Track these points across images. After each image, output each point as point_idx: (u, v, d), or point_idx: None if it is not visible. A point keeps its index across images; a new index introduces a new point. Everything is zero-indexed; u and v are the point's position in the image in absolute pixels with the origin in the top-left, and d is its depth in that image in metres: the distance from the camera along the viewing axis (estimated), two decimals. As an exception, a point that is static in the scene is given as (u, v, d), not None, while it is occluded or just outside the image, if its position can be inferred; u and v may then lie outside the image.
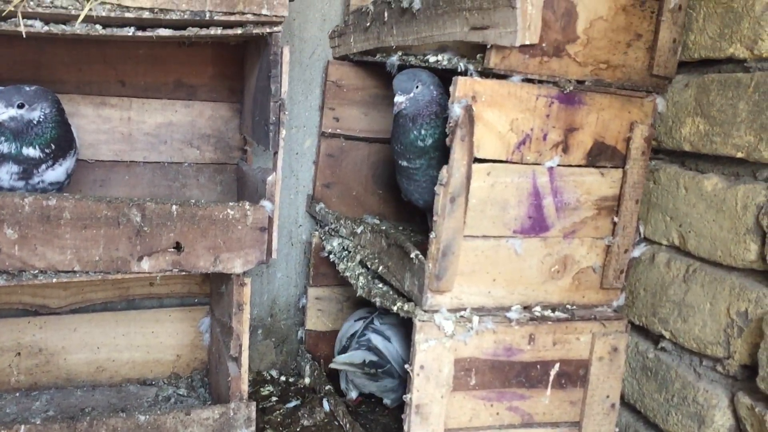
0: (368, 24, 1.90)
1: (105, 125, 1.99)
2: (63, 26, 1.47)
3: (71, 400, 2.02)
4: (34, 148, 1.62)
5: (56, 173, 1.66)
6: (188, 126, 2.07)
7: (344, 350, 1.97)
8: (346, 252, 1.95)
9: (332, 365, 1.90)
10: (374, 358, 1.86)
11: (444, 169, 1.42)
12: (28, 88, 1.61)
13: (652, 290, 1.65)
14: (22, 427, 1.59)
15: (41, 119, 1.61)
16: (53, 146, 1.64)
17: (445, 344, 1.49)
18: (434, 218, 1.45)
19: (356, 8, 2.05)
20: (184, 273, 1.62)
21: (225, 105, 2.10)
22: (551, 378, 1.60)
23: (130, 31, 1.52)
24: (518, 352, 1.56)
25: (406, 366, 1.51)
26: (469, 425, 1.57)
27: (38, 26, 1.46)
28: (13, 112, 1.57)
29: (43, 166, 1.64)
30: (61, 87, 1.92)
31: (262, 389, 2.18)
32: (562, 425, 1.64)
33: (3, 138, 1.60)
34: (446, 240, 1.45)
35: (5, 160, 1.60)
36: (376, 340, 1.89)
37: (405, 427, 1.53)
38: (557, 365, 1.60)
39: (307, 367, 2.21)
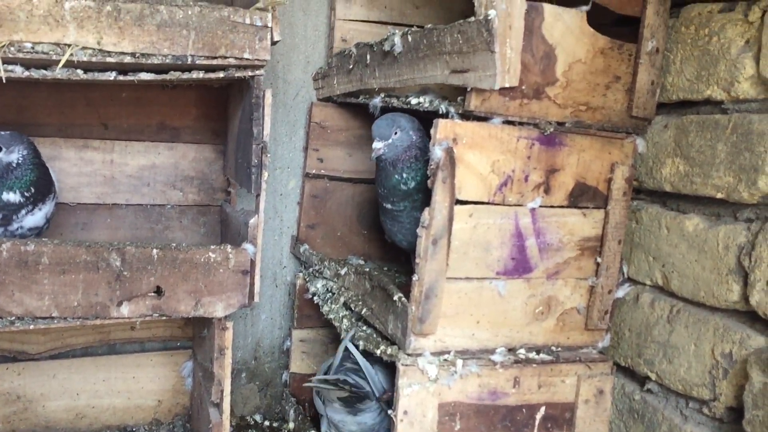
0: (351, 66, 1.91)
1: (87, 168, 1.98)
2: (44, 71, 1.47)
3: (49, 449, 1.98)
4: (14, 192, 1.60)
5: (35, 218, 1.65)
6: (171, 168, 2.07)
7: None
8: (330, 294, 1.93)
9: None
10: (351, 381, 1.77)
11: (426, 211, 1.42)
12: (2, 133, 1.60)
13: (637, 331, 1.64)
14: (-4, 478, 1.56)
15: (20, 161, 1.60)
16: (33, 189, 1.63)
17: (428, 389, 1.47)
18: (417, 260, 1.44)
19: (339, 51, 2.06)
20: (164, 318, 1.60)
21: (208, 147, 2.10)
22: (537, 422, 1.58)
23: (111, 76, 1.52)
24: (503, 395, 1.54)
25: (390, 411, 1.49)
26: (455, 472, 1.54)
27: (19, 71, 1.46)
28: None
29: (23, 211, 1.62)
30: (43, 130, 1.92)
31: (245, 434, 2.14)
32: (549, 470, 1.61)
33: None
34: (429, 282, 1.44)
35: None
36: (357, 358, 1.81)
37: (389, 474, 1.51)
38: (543, 408, 1.58)
39: (292, 412, 2.17)
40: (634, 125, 1.58)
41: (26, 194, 1.61)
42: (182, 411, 2.16)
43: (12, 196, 1.60)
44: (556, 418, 1.59)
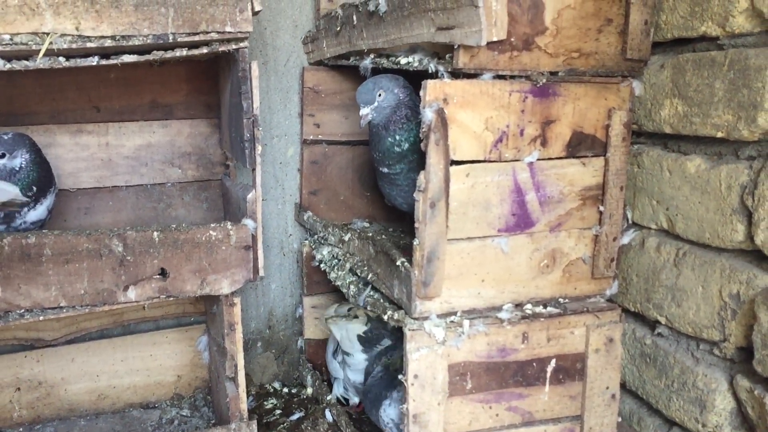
0: (339, 28, 1.87)
1: (83, 152, 1.98)
2: (25, 62, 1.45)
3: (75, 431, 2.01)
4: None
5: (38, 213, 1.66)
6: (168, 146, 2.06)
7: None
8: (336, 260, 1.93)
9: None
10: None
11: (421, 174, 1.40)
12: (5, 137, 1.61)
13: (645, 276, 1.63)
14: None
15: (22, 165, 1.62)
16: (35, 188, 1.64)
17: (437, 351, 1.47)
18: (416, 225, 1.43)
19: (326, 13, 2.02)
20: (171, 299, 1.61)
21: (203, 121, 2.08)
22: (548, 374, 1.58)
23: (94, 61, 1.50)
24: (512, 351, 1.54)
25: (400, 376, 1.50)
26: (469, 429, 1.55)
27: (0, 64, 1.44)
28: None
29: (26, 209, 1.63)
30: (35, 118, 1.91)
31: (265, 403, 2.17)
32: (564, 420, 1.62)
33: None
34: (430, 246, 1.43)
35: None
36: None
37: (405, 437, 1.52)
38: (553, 361, 1.58)
39: (309, 377, 2.20)
40: (630, 68, 1.54)
41: (29, 194, 1.63)
42: (202, 384, 2.19)
43: None
44: (568, 369, 1.59)
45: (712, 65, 1.41)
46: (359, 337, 1.87)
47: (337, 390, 2.02)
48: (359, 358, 1.89)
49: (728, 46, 1.39)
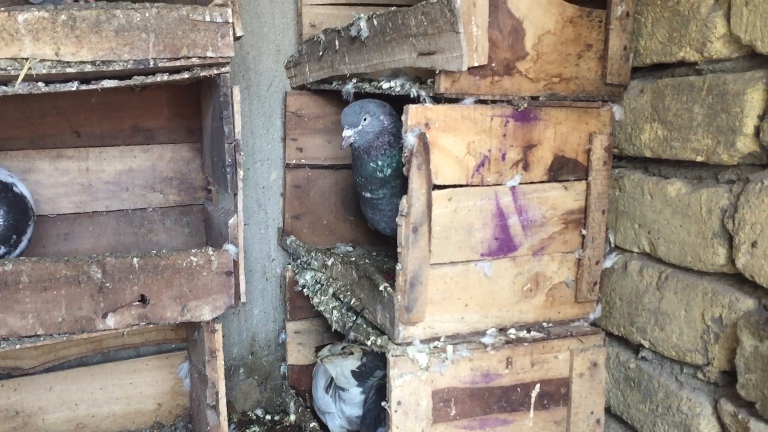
0: (321, 53, 1.88)
1: (63, 178, 1.96)
2: (4, 87, 1.44)
3: (52, 461, 1.97)
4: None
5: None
6: (149, 170, 2.04)
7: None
8: (319, 285, 1.92)
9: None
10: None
11: (404, 199, 1.39)
12: None
13: (628, 299, 1.63)
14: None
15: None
16: (14, 237, 1.63)
17: (420, 377, 1.46)
18: (398, 249, 1.42)
19: (309, 37, 2.03)
20: (151, 325, 1.59)
21: (185, 146, 2.07)
22: (533, 400, 1.57)
23: (74, 86, 1.49)
24: (496, 377, 1.53)
25: (383, 403, 1.48)
26: (454, 456, 1.54)
27: (-23, 89, 1.43)
28: None
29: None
30: (14, 143, 1.89)
31: (247, 430, 2.14)
32: (549, 446, 1.61)
33: None
34: (413, 271, 1.42)
35: None
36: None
37: (389, 465, 1.50)
38: (537, 386, 1.57)
39: (292, 404, 2.17)
40: (610, 92, 1.56)
41: (9, 243, 1.62)
42: (183, 412, 2.16)
43: None
44: (552, 394, 1.59)
45: (690, 90, 1.42)
46: (353, 373, 1.85)
47: (333, 425, 1.98)
48: (354, 392, 1.87)
49: (706, 71, 1.40)
